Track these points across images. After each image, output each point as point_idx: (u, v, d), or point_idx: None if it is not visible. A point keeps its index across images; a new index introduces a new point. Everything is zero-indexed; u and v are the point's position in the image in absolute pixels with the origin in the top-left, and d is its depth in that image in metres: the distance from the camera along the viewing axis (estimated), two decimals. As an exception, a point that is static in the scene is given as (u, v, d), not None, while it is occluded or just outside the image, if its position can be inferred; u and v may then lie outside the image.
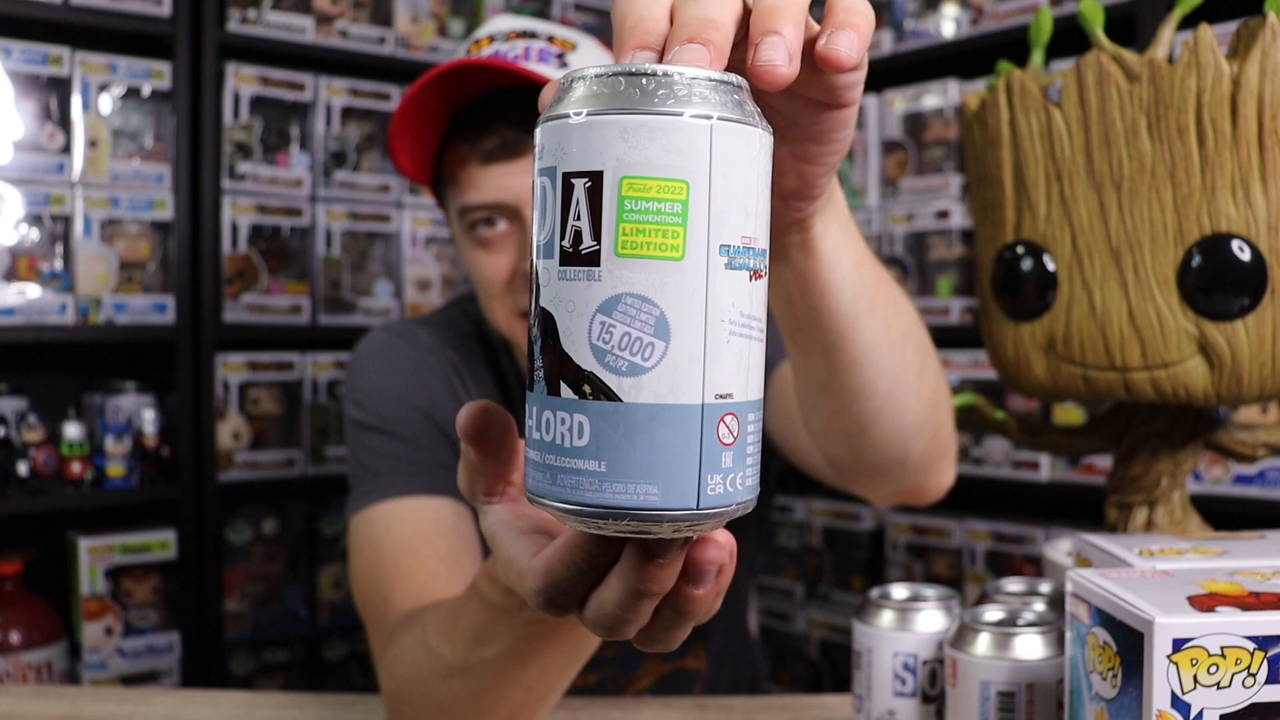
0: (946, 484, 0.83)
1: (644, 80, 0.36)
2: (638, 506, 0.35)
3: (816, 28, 0.42)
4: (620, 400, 0.35)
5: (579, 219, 0.36)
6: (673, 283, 0.35)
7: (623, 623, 0.41)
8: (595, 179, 0.36)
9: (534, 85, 0.91)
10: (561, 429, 0.36)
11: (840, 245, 0.58)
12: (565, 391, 0.36)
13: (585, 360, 0.36)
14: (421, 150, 0.98)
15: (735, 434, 0.37)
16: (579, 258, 0.36)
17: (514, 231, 0.94)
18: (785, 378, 0.90)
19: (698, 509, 0.36)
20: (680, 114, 0.35)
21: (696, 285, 0.35)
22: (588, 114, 0.36)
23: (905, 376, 0.68)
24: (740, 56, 0.41)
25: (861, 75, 0.45)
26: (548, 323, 0.37)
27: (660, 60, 0.39)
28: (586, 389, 0.36)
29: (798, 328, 0.63)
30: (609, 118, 0.36)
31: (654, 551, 0.38)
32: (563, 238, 0.36)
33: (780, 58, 0.38)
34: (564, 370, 0.36)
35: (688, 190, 0.35)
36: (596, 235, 0.36)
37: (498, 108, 0.92)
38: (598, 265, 0.36)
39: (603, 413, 0.36)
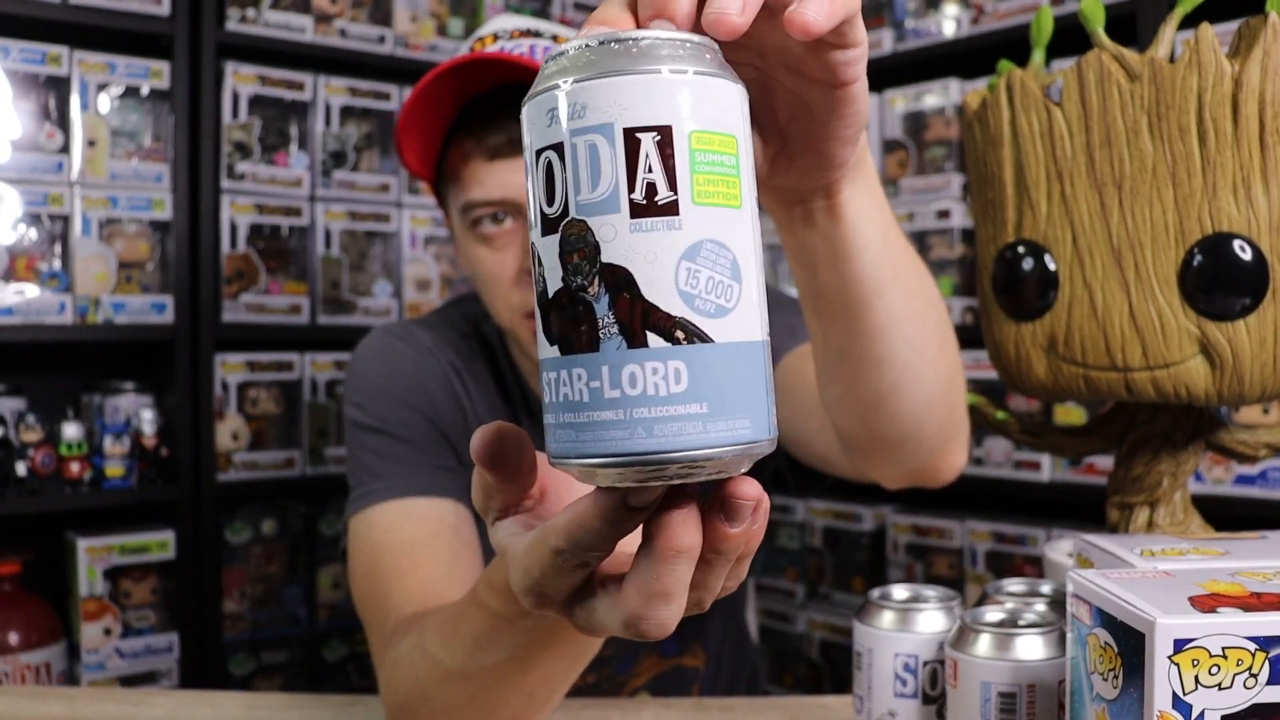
0: (959, 465, 0.82)
1: (673, 45, 0.37)
2: (736, 442, 0.37)
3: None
4: (713, 341, 0.37)
5: (650, 171, 0.36)
6: (739, 229, 0.38)
7: (664, 598, 0.39)
8: (664, 132, 0.36)
9: None
10: (655, 378, 0.36)
11: (867, 211, 0.59)
12: (655, 340, 0.36)
13: (674, 307, 0.36)
14: (427, 146, 0.98)
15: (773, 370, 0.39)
16: (656, 209, 0.36)
17: (519, 228, 0.93)
18: (789, 369, 0.90)
19: (769, 438, 0.38)
20: (720, 75, 0.38)
21: (754, 231, 0.39)
22: (646, 69, 0.36)
23: (925, 347, 0.68)
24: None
25: (858, 52, 0.45)
26: (621, 277, 0.37)
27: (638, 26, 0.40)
28: (679, 334, 0.36)
29: (821, 295, 0.63)
30: (669, 75, 0.37)
31: (674, 504, 0.38)
32: (632, 190, 0.36)
33: (732, 6, 0.38)
34: (650, 320, 0.36)
35: (737, 145, 0.38)
36: (672, 185, 0.36)
37: (504, 104, 0.92)
38: (677, 214, 0.36)
39: (699, 355, 0.36)
